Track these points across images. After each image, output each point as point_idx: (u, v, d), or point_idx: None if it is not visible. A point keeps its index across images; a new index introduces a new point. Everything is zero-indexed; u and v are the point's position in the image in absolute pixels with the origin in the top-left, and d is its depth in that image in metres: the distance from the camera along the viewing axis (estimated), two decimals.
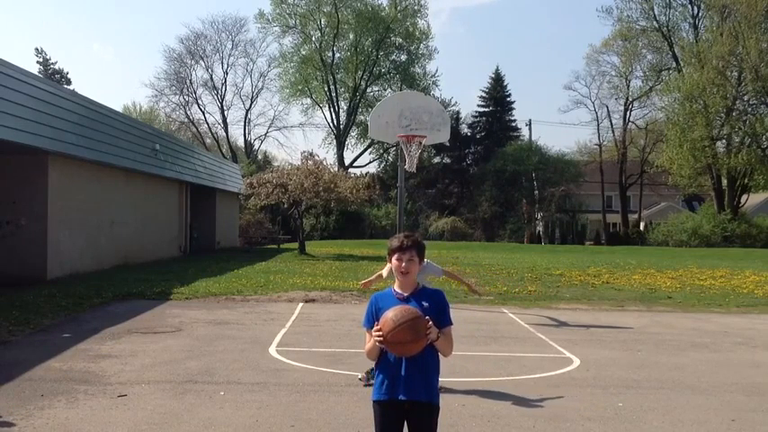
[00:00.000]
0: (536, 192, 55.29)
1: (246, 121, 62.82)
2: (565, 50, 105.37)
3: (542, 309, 12.88)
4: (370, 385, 6.77)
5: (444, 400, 6.09)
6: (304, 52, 58.59)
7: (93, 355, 7.94)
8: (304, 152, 33.72)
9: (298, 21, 57.63)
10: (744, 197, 45.70)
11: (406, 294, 3.41)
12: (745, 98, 42.62)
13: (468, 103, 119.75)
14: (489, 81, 63.21)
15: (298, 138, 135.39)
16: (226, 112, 62.21)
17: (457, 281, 9.15)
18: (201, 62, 61.12)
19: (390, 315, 3.20)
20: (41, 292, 13.22)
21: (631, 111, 55.42)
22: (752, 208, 50.30)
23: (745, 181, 44.29)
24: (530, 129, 60.58)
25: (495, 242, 49.05)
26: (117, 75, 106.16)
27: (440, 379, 3.50)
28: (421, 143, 13.10)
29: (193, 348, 8.41)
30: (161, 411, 5.74)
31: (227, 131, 63.36)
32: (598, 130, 57.53)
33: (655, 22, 48.45)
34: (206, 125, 62.94)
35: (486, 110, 62.97)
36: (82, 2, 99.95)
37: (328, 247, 34.62)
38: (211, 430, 5.30)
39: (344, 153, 58.91)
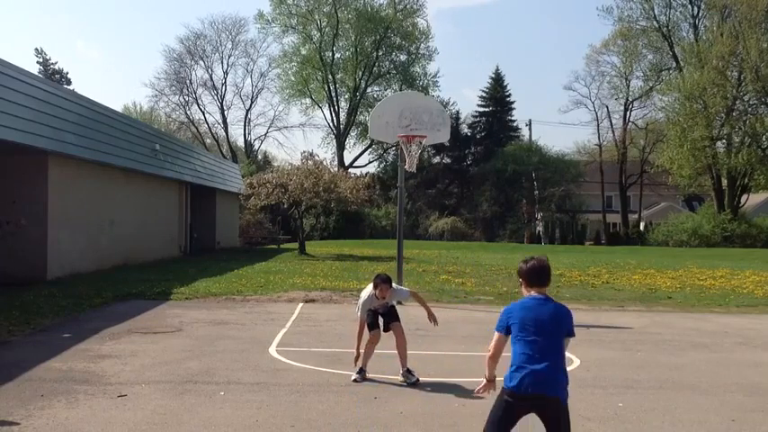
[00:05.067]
0: (536, 192, 55.30)
1: (246, 121, 62.92)
2: (565, 50, 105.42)
3: None
4: (366, 380, 6.77)
5: (444, 401, 6.12)
6: (304, 52, 58.62)
7: (93, 355, 7.93)
8: (304, 152, 33.81)
9: (297, 21, 57.66)
10: (744, 197, 45.67)
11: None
12: (745, 98, 42.58)
13: (468, 104, 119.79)
14: (489, 81, 63.33)
15: (297, 138, 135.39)
16: (226, 112, 62.33)
17: (420, 303, 8.21)
18: (201, 62, 61.22)
19: None
20: (41, 292, 13.22)
21: (631, 111, 55.48)
22: (752, 208, 50.27)
23: (745, 181, 44.26)
24: (530, 129, 60.77)
25: (495, 242, 49.02)
26: (117, 75, 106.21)
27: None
28: (421, 143, 13.12)
29: (193, 348, 8.40)
30: (161, 411, 5.74)
31: (227, 131, 63.48)
32: (598, 130, 57.60)
33: (655, 22, 48.44)
34: (206, 125, 63.05)
35: (486, 110, 62.98)
36: (82, 2, 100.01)
37: (328, 247, 34.61)
38: (211, 430, 5.30)
39: (344, 153, 59.01)
